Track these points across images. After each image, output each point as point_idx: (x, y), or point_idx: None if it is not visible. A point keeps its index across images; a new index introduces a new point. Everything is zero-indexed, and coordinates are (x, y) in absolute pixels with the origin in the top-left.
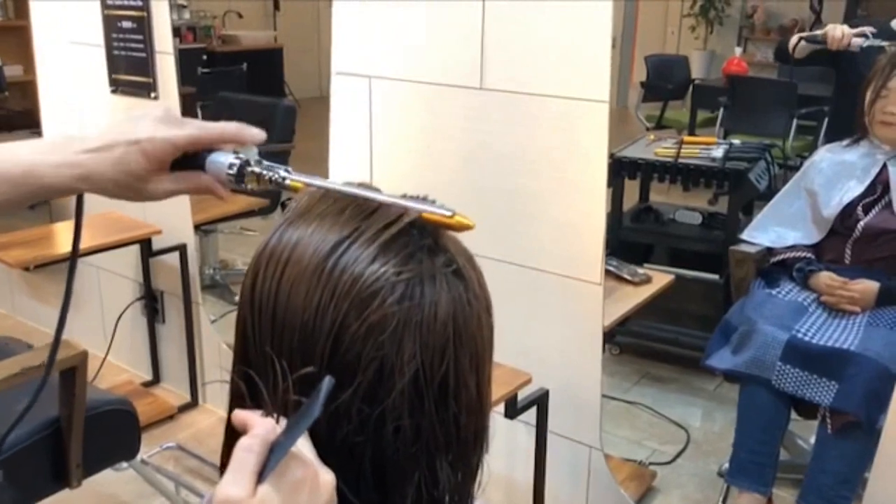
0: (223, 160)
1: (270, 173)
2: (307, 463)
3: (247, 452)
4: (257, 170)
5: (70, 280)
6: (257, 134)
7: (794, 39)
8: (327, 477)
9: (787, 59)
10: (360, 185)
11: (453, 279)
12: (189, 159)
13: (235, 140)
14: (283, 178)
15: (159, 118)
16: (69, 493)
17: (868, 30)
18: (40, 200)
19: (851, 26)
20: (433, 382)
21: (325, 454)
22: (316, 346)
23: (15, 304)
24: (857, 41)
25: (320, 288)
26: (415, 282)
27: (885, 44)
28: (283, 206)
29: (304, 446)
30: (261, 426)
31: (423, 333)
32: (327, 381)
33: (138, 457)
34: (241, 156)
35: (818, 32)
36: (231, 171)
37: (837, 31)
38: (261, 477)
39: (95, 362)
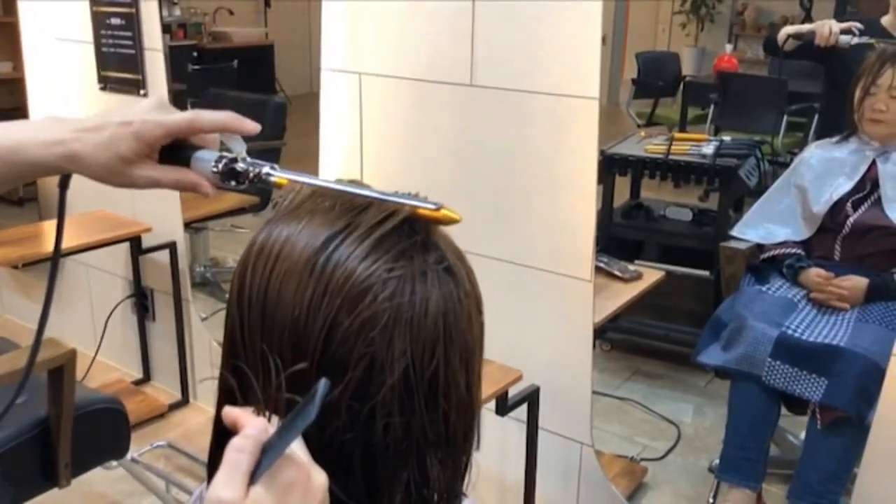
0: (209, 157)
1: (256, 170)
2: (300, 464)
3: (239, 453)
4: (243, 166)
5: (52, 276)
6: (251, 125)
7: (782, 33)
8: (320, 478)
9: (777, 52)
10: (351, 182)
11: (444, 276)
12: (176, 156)
13: (228, 129)
14: (269, 175)
15: (152, 105)
16: (58, 493)
17: (855, 26)
18: (27, 180)
19: (840, 23)
20: (423, 379)
21: (315, 451)
22: (308, 341)
23: (4, 303)
24: (845, 38)
25: (312, 283)
26: (406, 278)
27: (873, 41)
28: (275, 203)
29: (296, 446)
30: (253, 426)
31: (413, 330)
32: (323, 384)
33: (128, 455)
34: (226, 153)
35: (806, 28)
36: (216, 169)
37: (825, 28)
38: (253, 478)
39: (85, 360)
